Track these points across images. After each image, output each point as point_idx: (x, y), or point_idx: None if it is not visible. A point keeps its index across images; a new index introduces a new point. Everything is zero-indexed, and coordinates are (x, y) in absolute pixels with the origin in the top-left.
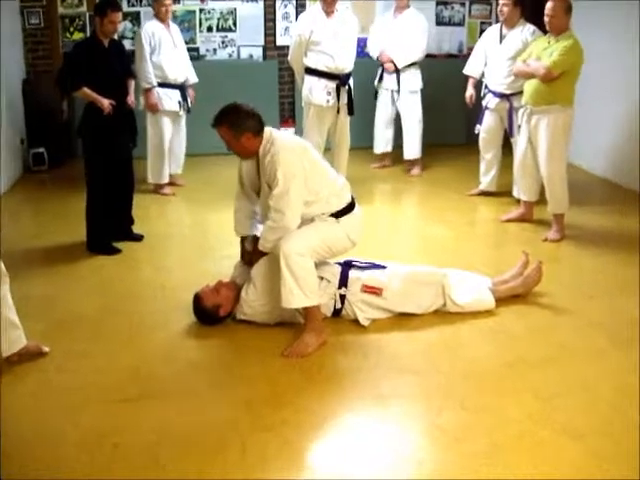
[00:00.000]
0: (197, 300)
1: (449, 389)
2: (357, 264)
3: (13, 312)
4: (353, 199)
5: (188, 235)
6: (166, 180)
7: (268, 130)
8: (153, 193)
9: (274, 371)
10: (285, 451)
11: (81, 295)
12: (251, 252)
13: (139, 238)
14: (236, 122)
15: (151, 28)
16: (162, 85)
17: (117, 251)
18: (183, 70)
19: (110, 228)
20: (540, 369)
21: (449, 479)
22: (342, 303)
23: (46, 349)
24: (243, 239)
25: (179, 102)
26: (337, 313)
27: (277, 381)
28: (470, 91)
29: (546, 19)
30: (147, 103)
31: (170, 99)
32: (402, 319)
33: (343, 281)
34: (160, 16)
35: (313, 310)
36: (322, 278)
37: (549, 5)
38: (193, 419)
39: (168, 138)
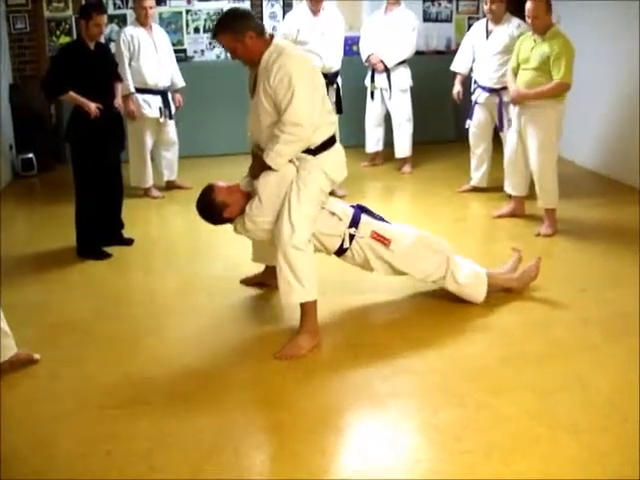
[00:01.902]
0: (209, 190)
1: (445, 387)
2: (370, 211)
3: (3, 320)
4: (334, 135)
5: (179, 238)
6: (150, 184)
7: (274, 40)
8: (143, 197)
9: (267, 373)
10: (280, 453)
11: (72, 300)
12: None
13: (129, 242)
14: (235, 25)
15: (130, 32)
16: (142, 91)
17: (107, 255)
18: (165, 75)
19: (100, 233)
20: (536, 365)
21: (447, 477)
22: (350, 243)
23: (37, 356)
24: (254, 151)
25: (160, 108)
26: (340, 253)
27: (271, 383)
28: (458, 88)
29: (528, 20)
30: (125, 110)
31: (150, 106)
32: (395, 317)
33: (354, 222)
34: (140, 19)
35: (310, 309)
36: (333, 214)
37: (530, 6)
38: (186, 424)
39: (149, 145)
